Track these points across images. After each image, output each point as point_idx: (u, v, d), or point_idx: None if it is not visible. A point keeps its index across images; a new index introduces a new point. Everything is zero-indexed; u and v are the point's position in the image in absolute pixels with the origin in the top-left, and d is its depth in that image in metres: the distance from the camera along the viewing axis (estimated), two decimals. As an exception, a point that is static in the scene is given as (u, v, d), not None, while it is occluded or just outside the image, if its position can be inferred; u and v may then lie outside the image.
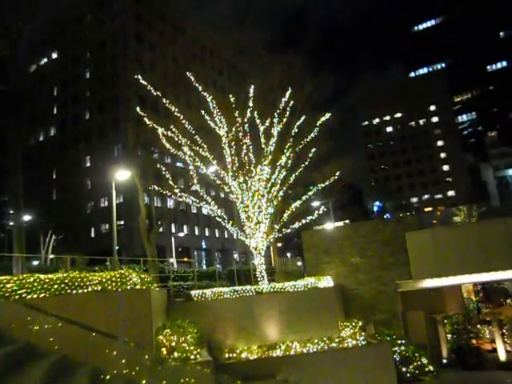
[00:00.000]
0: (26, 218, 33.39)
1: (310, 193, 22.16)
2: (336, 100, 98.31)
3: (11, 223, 41.87)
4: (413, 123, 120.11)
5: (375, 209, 79.33)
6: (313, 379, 14.50)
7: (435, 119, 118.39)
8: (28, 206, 27.21)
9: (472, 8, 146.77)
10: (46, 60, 70.43)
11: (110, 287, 11.86)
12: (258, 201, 20.21)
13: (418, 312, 23.53)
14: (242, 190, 20.31)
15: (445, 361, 23.23)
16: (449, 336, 24.27)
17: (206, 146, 20.57)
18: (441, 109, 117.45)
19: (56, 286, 11.37)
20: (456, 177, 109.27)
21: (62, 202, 55.16)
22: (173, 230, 57.54)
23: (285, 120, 21.66)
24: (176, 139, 20.37)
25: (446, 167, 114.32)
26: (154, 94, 20.48)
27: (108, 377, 7.38)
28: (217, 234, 68.89)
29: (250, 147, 20.91)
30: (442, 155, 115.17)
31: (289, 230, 21.20)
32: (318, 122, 21.89)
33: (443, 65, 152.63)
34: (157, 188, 20.91)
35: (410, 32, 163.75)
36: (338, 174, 22.44)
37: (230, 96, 21.58)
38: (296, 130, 21.92)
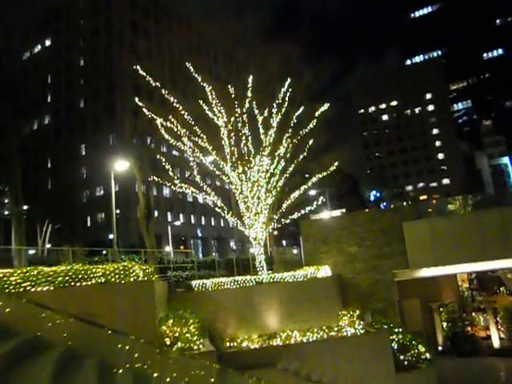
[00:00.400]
0: (23, 207, 33.24)
1: (309, 183, 22.22)
2: (333, 89, 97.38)
3: (6, 212, 41.75)
4: (408, 111, 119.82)
5: (372, 198, 79.56)
6: (313, 367, 14.75)
7: (431, 107, 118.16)
8: (23, 195, 27.12)
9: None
10: (39, 47, 69.26)
11: (113, 279, 11.99)
12: (258, 191, 20.25)
13: (415, 300, 23.90)
14: (241, 181, 20.31)
15: (440, 348, 23.72)
16: (444, 324, 24.71)
17: (204, 137, 20.47)
18: (437, 97, 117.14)
19: (60, 279, 11.46)
20: (451, 165, 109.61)
21: (58, 191, 54.88)
22: (169, 218, 57.52)
23: (283, 110, 21.58)
24: (175, 130, 20.25)
25: (441, 155, 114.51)
26: (153, 84, 20.25)
27: (121, 371, 7.49)
28: (213, 223, 68.95)
29: (249, 137, 20.85)
30: (438, 143, 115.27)
31: (288, 221, 21.31)
32: (317, 113, 21.84)
33: (439, 52, 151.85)
34: (156, 179, 20.87)
35: (407, 19, 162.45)
36: (336, 164, 22.40)
37: (229, 86, 21.41)
38: (295, 121, 21.85)
